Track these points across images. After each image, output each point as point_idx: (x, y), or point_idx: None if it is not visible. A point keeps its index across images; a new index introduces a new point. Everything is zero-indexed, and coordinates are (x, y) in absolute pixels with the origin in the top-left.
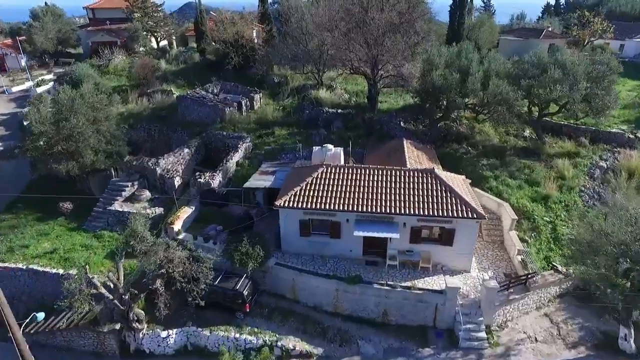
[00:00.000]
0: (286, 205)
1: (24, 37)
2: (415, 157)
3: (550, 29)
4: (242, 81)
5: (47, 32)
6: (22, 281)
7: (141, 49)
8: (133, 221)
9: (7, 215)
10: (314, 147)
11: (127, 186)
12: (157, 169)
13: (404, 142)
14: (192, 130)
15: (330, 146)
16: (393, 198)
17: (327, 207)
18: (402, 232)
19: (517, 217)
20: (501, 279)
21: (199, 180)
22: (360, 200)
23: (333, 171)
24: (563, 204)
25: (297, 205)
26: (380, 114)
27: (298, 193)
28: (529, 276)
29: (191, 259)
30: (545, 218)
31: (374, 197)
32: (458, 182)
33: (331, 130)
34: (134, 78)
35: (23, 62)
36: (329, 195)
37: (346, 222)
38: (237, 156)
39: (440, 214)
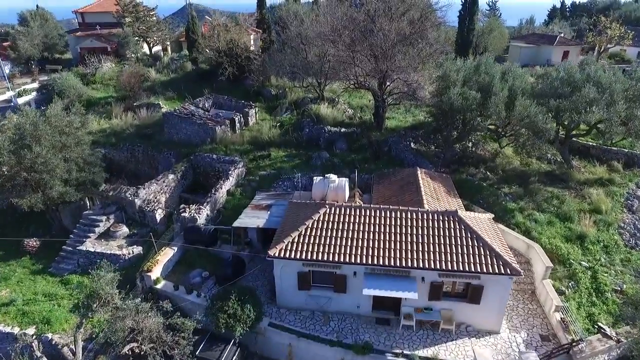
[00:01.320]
0: (282, 255)
1: (7, 43)
2: (431, 190)
3: (562, 34)
4: (236, 93)
5: (33, 38)
6: None
7: (132, 55)
8: (95, 278)
9: None
10: (314, 178)
11: (102, 221)
12: (137, 200)
13: (418, 172)
14: (179, 151)
15: (333, 177)
16: (410, 248)
17: (331, 258)
18: (420, 288)
19: (551, 265)
20: (537, 342)
21: (182, 215)
22: (371, 250)
23: (338, 212)
24: (602, 244)
25: (295, 255)
26: (388, 132)
27: (296, 240)
28: (574, 344)
29: (167, 325)
30: (583, 263)
31: (387, 246)
32: (484, 224)
33: (334, 151)
34: (120, 89)
35: (7, 70)
36: (333, 242)
37: (353, 276)
38: (228, 184)
39: (467, 269)
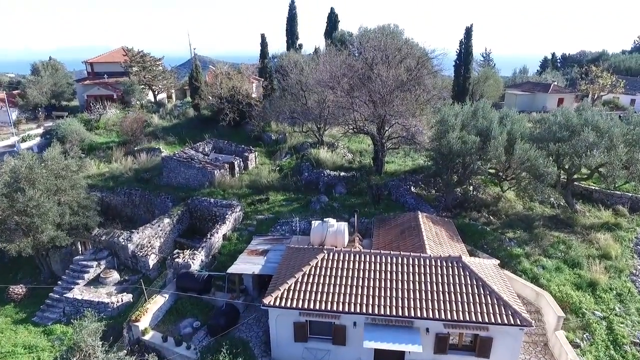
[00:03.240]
0: (277, 304)
1: (18, 91)
2: (433, 235)
3: (555, 82)
4: (237, 138)
5: (42, 86)
6: None
7: (137, 102)
8: (77, 329)
9: None
10: (313, 222)
11: (92, 266)
12: (130, 245)
13: (419, 216)
14: (176, 195)
15: (332, 221)
16: (412, 296)
17: (329, 307)
18: (424, 340)
19: (564, 315)
20: None
21: (176, 260)
22: (371, 298)
23: (336, 258)
24: (614, 292)
25: (291, 304)
26: (387, 176)
27: (292, 287)
28: None
29: None
30: (597, 313)
31: (388, 295)
32: (490, 271)
33: (333, 195)
34: (123, 134)
35: (14, 116)
36: (332, 290)
37: (353, 327)
38: (224, 228)
39: (474, 319)
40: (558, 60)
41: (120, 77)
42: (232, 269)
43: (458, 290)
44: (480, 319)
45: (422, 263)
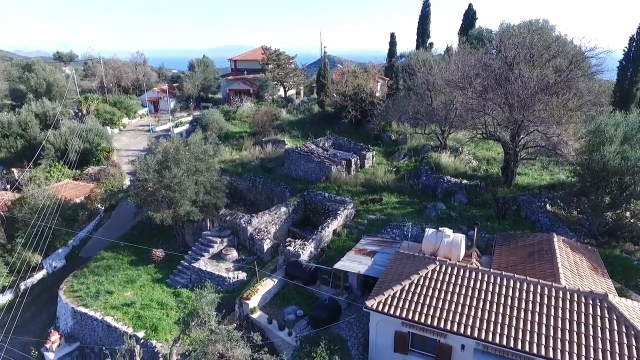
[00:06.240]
0: (380, 309)
1: (177, 84)
2: (571, 264)
3: None
4: (356, 136)
5: (195, 80)
6: (96, 332)
7: (269, 97)
8: (197, 297)
9: (108, 254)
10: (427, 229)
11: (217, 242)
12: (249, 227)
13: (555, 239)
14: (294, 186)
15: (448, 231)
16: (537, 330)
17: (435, 322)
18: None
19: None
20: None
21: (287, 248)
22: (485, 323)
23: (449, 272)
24: None
25: (395, 312)
26: (518, 189)
27: (397, 294)
28: None
29: (253, 359)
30: None
31: (507, 322)
32: None
33: (451, 204)
34: (254, 126)
35: (172, 105)
36: (440, 305)
37: (460, 350)
38: (335, 223)
39: None
40: None
41: (257, 74)
42: (338, 265)
43: (600, 335)
44: None
45: (554, 294)
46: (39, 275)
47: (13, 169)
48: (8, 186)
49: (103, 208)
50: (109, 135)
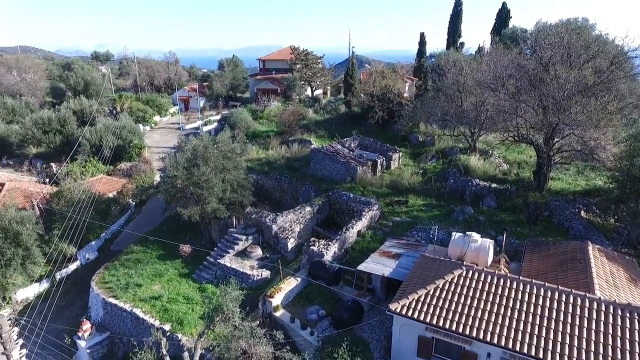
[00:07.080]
0: (404, 312)
1: (206, 83)
2: (607, 274)
3: None
4: (383, 137)
5: (224, 79)
6: (125, 323)
7: (296, 97)
8: (222, 293)
9: (138, 248)
10: (453, 233)
11: (242, 240)
12: (274, 226)
13: (589, 248)
14: (319, 186)
15: (476, 236)
16: (569, 342)
17: (461, 329)
18: None
19: None
20: None
21: (311, 247)
22: (513, 331)
23: (476, 277)
24: None
25: (419, 316)
26: (550, 195)
27: (422, 299)
28: None
29: (275, 357)
30: None
31: (536, 332)
32: None
33: (480, 208)
34: (281, 125)
35: (202, 104)
36: (466, 312)
37: (486, 358)
38: (359, 224)
39: None
40: None
41: (285, 74)
42: (362, 267)
43: (637, 350)
44: None
45: (588, 306)
46: (73, 266)
47: (52, 164)
48: (47, 180)
49: (134, 203)
50: (141, 132)
